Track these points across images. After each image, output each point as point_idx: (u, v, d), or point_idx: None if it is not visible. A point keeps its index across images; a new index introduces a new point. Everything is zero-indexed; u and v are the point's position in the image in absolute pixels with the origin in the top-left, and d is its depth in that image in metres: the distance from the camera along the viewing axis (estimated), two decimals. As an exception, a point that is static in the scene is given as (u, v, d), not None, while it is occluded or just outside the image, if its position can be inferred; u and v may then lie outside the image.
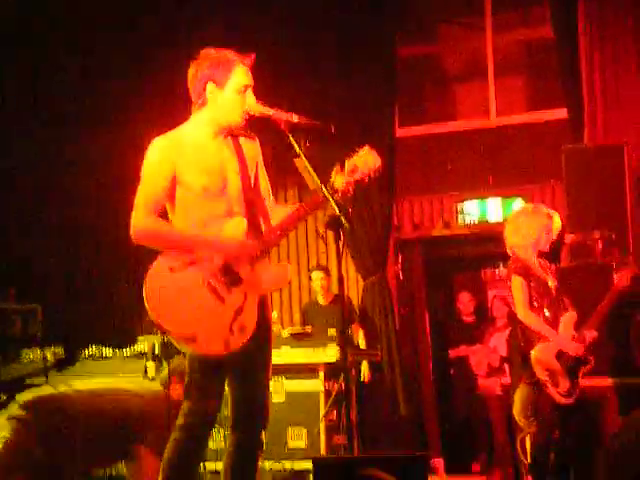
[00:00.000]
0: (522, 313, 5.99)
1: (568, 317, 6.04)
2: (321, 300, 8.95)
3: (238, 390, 4.25)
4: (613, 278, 6.29)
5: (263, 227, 4.31)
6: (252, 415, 4.26)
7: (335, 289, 8.86)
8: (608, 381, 6.80)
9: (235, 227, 4.20)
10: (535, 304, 6.01)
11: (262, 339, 4.24)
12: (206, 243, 4.11)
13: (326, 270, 8.97)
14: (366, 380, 8.68)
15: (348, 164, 4.26)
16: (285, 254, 9.73)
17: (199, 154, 4.20)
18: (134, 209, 4.12)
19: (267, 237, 4.25)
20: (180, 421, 4.13)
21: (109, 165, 9.49)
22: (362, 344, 8.83)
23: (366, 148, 4.32)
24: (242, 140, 4.36)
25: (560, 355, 5.95)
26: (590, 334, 6.01)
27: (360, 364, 8.56)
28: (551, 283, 6.09)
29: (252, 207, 4.30)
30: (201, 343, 4.01)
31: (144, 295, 4.01)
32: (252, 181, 4.33)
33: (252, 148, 4.38)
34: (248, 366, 4.22)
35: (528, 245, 6.09)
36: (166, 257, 4.08)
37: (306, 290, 9.85)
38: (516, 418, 7.96)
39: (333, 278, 8.91)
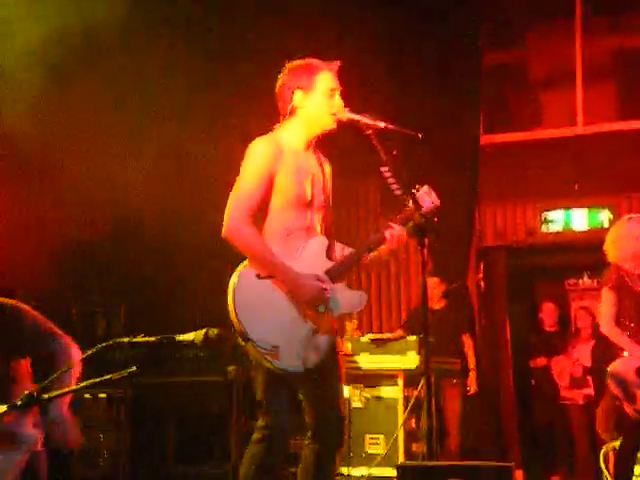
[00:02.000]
0: (605, 327, 5.92)
1: None
2: (434, 306, 8.84)
3: (314, 405, 4.24)
4: None
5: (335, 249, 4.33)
6: (329, 430, 4.25)
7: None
8: None
9: (318, 246, 4.24)
10: (625, 319, 5.90)
11: (333, 357, 4.24)
12: (288, 279, 4.06)
13: (440, 278, 8.87)
14: (472, 391, 8.60)
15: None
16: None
17: (295, 162, 4.21)
18: (233, 207, 4.10)
19: (340, 266, 4.24)
20: (257, 436, 4.13)
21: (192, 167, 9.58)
22: (470, 354, 8.74)
23: (426, 187, 4.28)
24: (323, 159, 4.39)
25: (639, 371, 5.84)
26: None
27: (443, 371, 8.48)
28: None
29: (328, 226, 4.34)
30: (283, 357, 4.01)
31: (230, 301, 4.00)
32: (329, 201, 4.36)
33: (329, 169, 4.42)
34: (322, 383, 4.21)
35: (627, 257, 5.99)
36: (253, 264, 4.09)
37: (385, 296, 9.84)
38: (598, 430, 7.87)
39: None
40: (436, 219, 4.25)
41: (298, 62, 4.31)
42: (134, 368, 3.06)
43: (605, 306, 5.93)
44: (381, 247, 4.29)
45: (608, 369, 5.87)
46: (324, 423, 4.24)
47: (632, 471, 6.00)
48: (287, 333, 4.04)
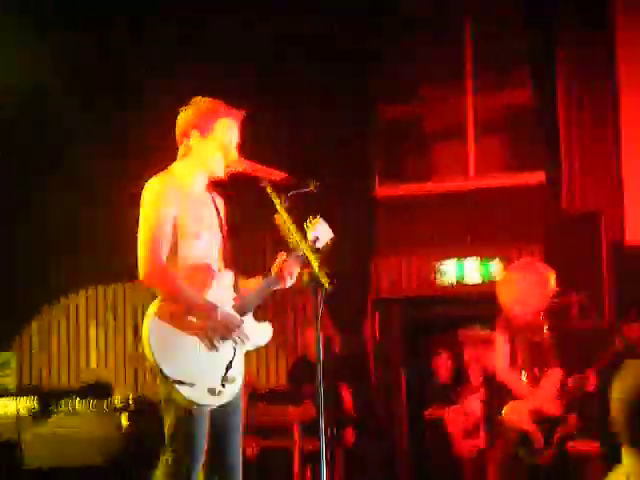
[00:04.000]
0: (500, 372, 5.99)
1: (553, 374, 6.01)
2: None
3: (218, 441, 4.19)
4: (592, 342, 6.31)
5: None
6: (231, 466, 4.22)
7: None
8: (593, 445, 6.76)
9: (227, 280, 4.25)
10: (519, 362, 5.98)
11: (239, 398, 4.25)
12: (209, 314, 4.07)
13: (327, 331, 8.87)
14: (349, 444, 8.59)
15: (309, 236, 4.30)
16: (262, 310, 9.69)
17: (191, 201, 4.19)
18: (146, 251, 4.04)
19: (245, 299, 4.27)
20: (163, 470, 4.06)
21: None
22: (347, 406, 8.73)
23: (321, 220, 4.34)
24: (215, 195, 4.39)
25: (534, 414, 5.91)
26: (593, 377, 5.97)
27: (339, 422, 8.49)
28: (541, 340, 6.06)
29: (229, 259, 4.35)
30: (198, 392, 3.98)
31: (144, 337, 3.96)
32: (227, 234, 4.37)
33: (222, 204, 4.42)
34: (229, 419, 4.19)
35: (517, 301, 6.08)
36: (166, 302, 4.06)
37: (281, 347, 9.84)
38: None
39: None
40: (327, 271, 4.27)
41: (202, 100, 4.26)
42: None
43: (499, 352, 6.01)
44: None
45: (502, 413, 5.94)
46: (225, 466, 4.20)
47: None
48: (202, 367, 4.02)
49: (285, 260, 4.30)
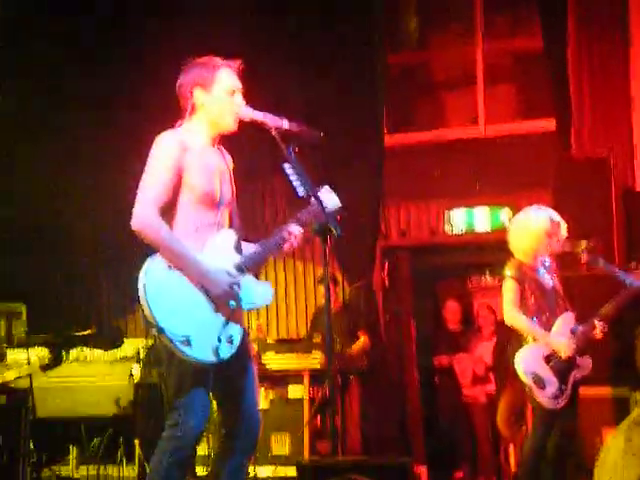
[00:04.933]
0: (508, 314, 5.98)
1: (564, 318, 6.02)
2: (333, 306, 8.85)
3: (229, 402, 4.23)
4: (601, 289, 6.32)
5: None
6: (244, 430, 4.23)
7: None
8: (607, 390, 6.79)
9: (226, 239, 4.23)
10: (530, 312, 5.98)
11: (247, 353, 4.26)
12: (198, 274, 4.05)
13: (334, 279, 8.91)
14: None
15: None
16: (270, 263, 9.75)
17: (202, 159, 4.19)
18: (142, 199, 4.05)
19: (249, 258, 4.25)
20: (168, 433, 4.08)
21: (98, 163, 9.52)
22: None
23: (326, 188, 4.32)
24: (226, 154, 4.39)
25: (549, 358, 5.93)
26: (600, 324, 5.97)
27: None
28: (552, 286, 6.07)
29: (236, 220, 4.34)
30: (195, 347, 3.97)
31: (141, 290, 3.95)
32: (235, 195, 4.37)
33: (231, 162, 4.42)
34: (237, 379, 4.21)
35: (528, 248, 6.09)
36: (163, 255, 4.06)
37: (292, 298, 9.89)
38: (499, 426, 8.00)
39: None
40: (339, 217, 4.27)
41: (198, 59, 4.29)
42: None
43: (506, 293, 6.01)
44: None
45: (515, 359, 5.94)
46: (239, 422, 4.22)
47: (538, 465, 6.06)
48: (199, 323, 4.02)
49: (289, 227, 4.31)
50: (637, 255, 7.39)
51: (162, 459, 4.06)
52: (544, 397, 5.88)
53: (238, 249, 4.26)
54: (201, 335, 4.00)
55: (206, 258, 4.11)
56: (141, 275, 3.98)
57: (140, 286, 3.96)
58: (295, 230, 4.29)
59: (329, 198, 4.36)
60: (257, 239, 4.41)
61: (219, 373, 4.11)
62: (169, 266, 4.02)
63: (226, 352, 4.08)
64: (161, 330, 3.93)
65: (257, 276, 4.34)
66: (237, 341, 4.14)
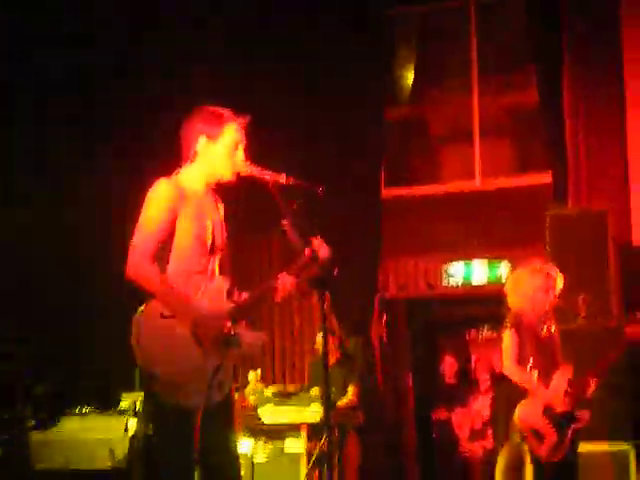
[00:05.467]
0: (507, 367, 5.99)
1: (563, 371, 6.01)
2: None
3: (210, 445, 4.16)
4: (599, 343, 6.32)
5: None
6: (227, 470, 4.22)
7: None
8: (604, 446, 6.76)
9: (219, 286, 4.25)
10: (527, 360, 5.99)
11: (230, 398, 4.26)
12: (192, 316, 4.05)
13: (332, 330, 8.89)
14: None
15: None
16: (268, 314, 9.75)
17: (195, 205, 4.22)
18: (136, 247, 4.07)
19: (240, 306, 4.26)
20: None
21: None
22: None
23: (318, 238, 4.34)
24: (217, 200, 4.43)
25: (546, 410, 5.92)
26: (593, 381, 5.98)
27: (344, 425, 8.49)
28: (550, 339, 6.08)
29: (226, 268, 4.37)
30: (186, 394, 3.98)
31: (134, 337, 3.96)
32: (226, 241, 4.40)
33: (222, 210, 4.45)
34: (218, 422, 4.17)
35: (526, 302, 6.11)
36: (157, 302, 4.06)
37: (289, 350, 9.87)
38: (496, 480, 7.95)
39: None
40: (335, 271, 4.28)
41: (208, 108, 4.32)
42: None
43: (505, 346, 6.02)
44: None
45: (515, 414, 5.94)
46: (220, 468, 4.19)
47: None
48: (191, 370, 4.03)
49: (281, 276, 4.31)
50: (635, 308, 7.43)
51: None
52: (542, 451, 5.87)
53: (230, 296, 4.28)
54: (192, 382, 4.01)
55: (200, 304, 4.13)
56: (134, 324, 4.00)
57: (134, 334, 3.98)
58: (286, 280, 4.30)
59: (321, 248, 4.36)
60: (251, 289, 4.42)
61: (205, 415, 4.08)
62: (162, 314, 4.03)
63: (216, 398, 4.09)
64: (151, 377, 3.95)
65: (251, 324, 4.35)
66: (227, 388, 4.16)
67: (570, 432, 5.94)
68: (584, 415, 6.00)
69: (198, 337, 4.06)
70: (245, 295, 4.34)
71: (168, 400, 3.97)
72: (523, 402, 5.95)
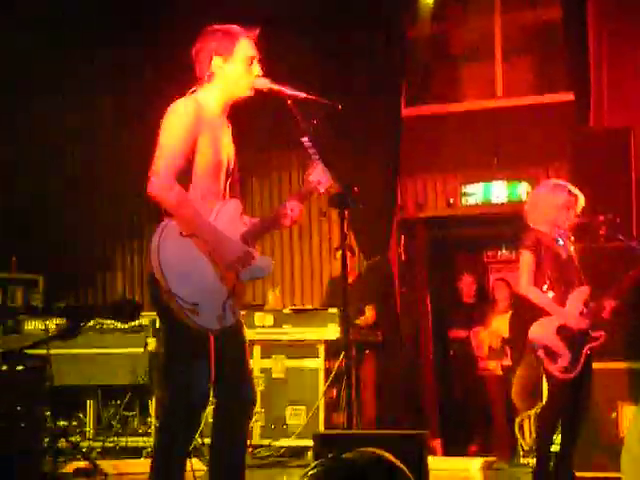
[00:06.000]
0: (523, 286, 5.99)
1: (579, 291, 6.00)
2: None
3: (228, 363, 4.17)
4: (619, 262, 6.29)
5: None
6: (242, 387, 4.22)
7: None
8: (621, 364, 6.77)
9: (234, 208, 4.23)
10: (545, 282, 5.98)
11: (241, 323, 4.26)
12: (214, 240, 4.05)
13: (351, 249, 8.90)
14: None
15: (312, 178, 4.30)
16: (287, 233, 9.77)
17: (212, 127, 4.18)
18: (159, 165, 4.03)
19: (254, 230, 4.26)
20: (171, 398, 4.08)
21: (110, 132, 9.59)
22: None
23: (321, 165, 4.30)
24: (227, 123, 4.38)
25: (561, 330, 5.92)
26: (609, 303, 5.97)
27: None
28: (569, 258, 6.06)
29: (237, 191, 4.36)
30: (202, 315, 3.98)
31: (154, 256, 3.95)
32: (236, 164, 4.38)
33: (230, 132, 4.41)
34: (233, 342, 4.19)
35: (546, 221, 6.07)
36: (175, 222, 4.04)
37: (308, 269, 9.91)
38: (514, 400, 8.01)
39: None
40: (356, 189, 4.25)
41: (217, 27, 4.25)
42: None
43: (523, 267, 6.00)
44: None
45: (528, 333, 5.96)
46: (236, 387, 4.21)
47: (552, 437, 6.09)
48: (207, 292, 4.03)
49: (289, 203, 4.30)
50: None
51: (167, 422, 4.09)
52: (555, 369, 5.89)
53: (242, 220, 4.28)
54: (208, 303, 4.01)
55: (217, 226, 4.12)
56: (153, 241, 3.99)
57: (153, 252, 3.96)
58: (294, 206, 4.28)
59: (322, 174, 4.34)
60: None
61: (219, 337, 4.10)
62: (180, 233, 4.02)
63: (230, 321, 4.09)
64: (172, 295, 3.94)
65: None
66: (239, 311, 4.18)
67: (585, 352, 5.95)
68: (599, 335, 6.00)
69: (214, 259, 4.06)
70: (256, 220, 4.33)
71: (183, 318, 3.97)
72: (538, 321, 5.95)
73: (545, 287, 6.00)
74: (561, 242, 6.07)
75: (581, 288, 6.01)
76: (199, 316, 3.97)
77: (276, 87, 4.23)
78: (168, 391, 4.13)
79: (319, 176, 4.31)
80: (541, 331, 5.93)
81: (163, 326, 4.15)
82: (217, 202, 4.18)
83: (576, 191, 6.14)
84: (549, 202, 6.08)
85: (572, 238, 6.19)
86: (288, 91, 4.22)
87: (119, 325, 7.59)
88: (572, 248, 6.14)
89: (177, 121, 4.10)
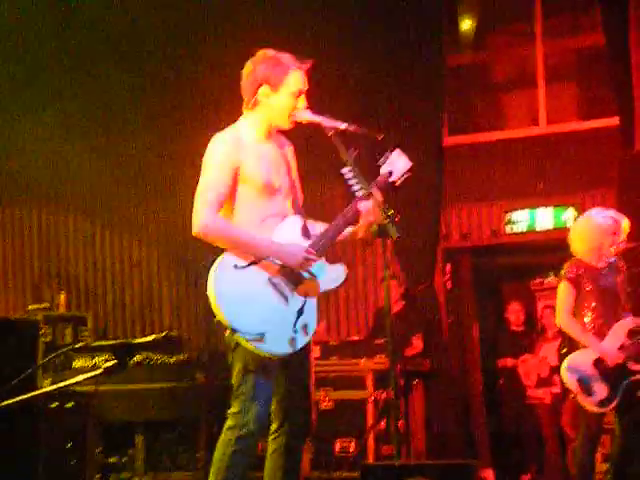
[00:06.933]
0: (560, 319, 5.96)
1: (621, 324, 5.93)
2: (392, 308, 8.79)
3: (288, 391, 4.21)
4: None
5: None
6: (300, 416, 4.25)
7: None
8: None
9: (293, 225, 4.25)
10: (587, 309, 5.91)
11: (309, 346, 4.28)
12: (274, 249, 4.09)
13: (398, 279, 8.90)
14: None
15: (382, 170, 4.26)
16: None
17: (257, 151, 4.21)
18: (201, 204, 4.07)
19: (319, 240, 4.25)
20: (233, 422, 4.08)
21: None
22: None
23: (397, 151, 4.30)
24: (284, 142, 4.40)
25: (598, 363, 5.85)
26: None
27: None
28: (613, 287, 5.98)
29: (298, 208, 4.34)
30: (270, 342, 4.00)
31: (211, 293, 3.97)
32: (296, 184, 4.37)
33: (291, 152, 4.44)
34: (299, 365, 4.22)
35: (591, 249, 6.01)
36: (230, 255, 4.07)
37: (353, 300, 9.88)
38: (565, 428, 7.91)
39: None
40: (397, 218, 4.23)
41: (271, 54, 4.26)
42: (110, 363, 3.05)
43: (560, 297, 5.96)
44: (356, 224, 4.30)
45: (563, 363, 5.90)
46: (296, 409, 4.23)
47: (592, 465, 6.01)
48: (272, 317, 4.04)
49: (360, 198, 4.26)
50: None
51: (225, 450, 4.07)
52: (590, 402, 5.80)
53: (306, 234, 4.27)
54: (276, 329, 4.02)
55: (278, 241, 4.14)
56: (210, 278, 4.00)
57: (210, 290, 3.98)
58: (368, 204, 4.22)
59: (399, 161, 4.31)
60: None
61: (287, 361, 4.12)
62: (235, 265, 4.04)
63: (302, 341, 4.11)
64: (235, 331, 3.96)
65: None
66: (312, 329, 4.17)
67: (624, 385, 5.84)
68: (637, 367, 5.90)
69: (275, 284, 4.06)
70: (319, 231, 4.31)
71: (253, 350, 3.99)
72: (575, 353, 5.88)
73: (587, 319, 5.94)
74: (606, 271, 6.00)
75: (622, 321, 5.93)
76: (267, 344, 3.99)
77: (316, 119, 4.25)
78: (232, 408, 4.11)
79: (394, 164, 4.29)
80: (578, 361, 5.86)
81: (235, 361, 4.14)
82: (277, 222, 4.20)
83: (619, 216, 6.09)
84: (593, 228, 6.03)
85: (623, 266, 6.11)
86: (328, 123, 4.23)
87: (167, 360, 7.62)
88: (619, 279, 6.05)
89: (216, 153, 4.15)
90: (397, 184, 4.32)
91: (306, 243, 4.21)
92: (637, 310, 6.07)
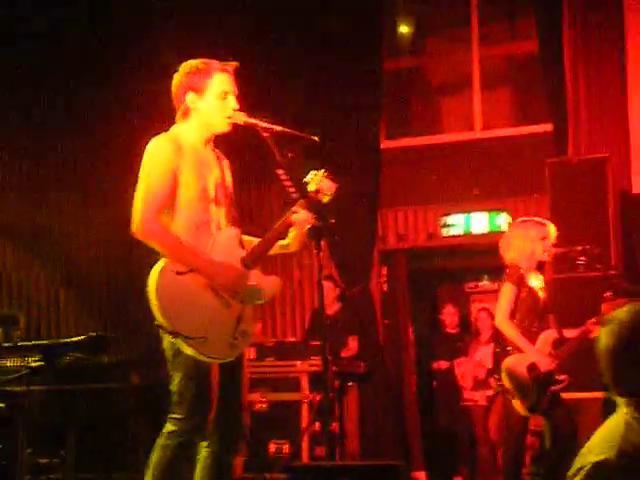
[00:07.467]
0: (499, 320, 6.02)
1: (547, 334, 6.04)
2: (328, 310, 8.82)
3: (224, 396, 4.20)
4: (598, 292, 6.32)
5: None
6: (233, 422, 4.27)
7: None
8: (586, 394, 6.79)
9: (229, 236, 4.25)
10: (521, 317, 6.00)
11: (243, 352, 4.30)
12: (211, 269, 4.09)
13: (335, 281, 8.91)
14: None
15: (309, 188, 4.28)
16: (269, 266, 9.74)
17: (195, 157, 4.22)
18: (142, 206, 4.07)
19: (254, 252, 4.26)
20: (171, 427, 4.08)
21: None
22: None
23: (322, 172, 4.30)
24: (220, 155, 4.41)
25: (532, 369, 5.93)
26: (592, 330, 5.97)
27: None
28: (542, 296, 6.09)
29: (233, 220, 4.35)
30: (211, 346, 4.02)
31: (152, 297, 3.97)
32: (231, 197, 4.39)
33: (228, 164, 4.46)
34: (233, 375, 4.22)
35: (523, 258, 6.09)
36: (169, 260, 4.07)
37: (289, 301, 9.88)
38: (490, 431, 8.01)
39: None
40: (333, 220, 4.26)
41: (192, 62, 4.30)
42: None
43: (502, 298, 6.02)
44: (290, 235, 4.33)
45: (503, 364, 5.97)
46: (230, 422, 4.24)
47: (520, 468, 6.11)
48: (214, 323, 4.06)
49: (294, 209, 4.28)
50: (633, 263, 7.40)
51: (165, 453, 4.07)
52: (521, 406, 5.90)
53: (241, 245, 4.28)
54: (216, 333, 4.05)
55: (212, 256, 4.15)
56: (151, 284, 4.01)
57: (151, 295, 3.99)
58: (302, 215, 4.24)
59: (325, 182, 4.32)
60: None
61: (227, 367, 4.14)
62: (177, 272, 4.04)
63: (243, 346, 4.15)
64: (176, 334, 3.96)
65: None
66: (250, 337, 4.21)
67: (549, 393, 5.95)
68: (564, 378, 6.01)
69: (216, 289, 4.09)
70: (255, 243, 4.33)
71: (195, 355, 4.00)
72: (512, 356, 5.97)
73: (520, 323, 6.02)
74: (535, 282, 6.10)
75: (547, 331, 6.04)
76: (208, 348, 4.00)
77: (252, 121, 4.26)
78: (173, 414, 4.11)
79: (322, 185, 4.30)
80: (514, 365, 5.95)
81: (172, 366, 4.13)
82: (211, 230, 4.20)
83: (545, 221, 6.20)
84: (522, 236, 6.12)
85: (545, 277, 6.23)
86: (264, 124, 4.25)
87: (100, 360, 7.55)
88: (546, 287, 6.17)
89: (154, 158, 4.16)
90: (324, 202, 4.32)
91: (241, 255, 4.23)
92: (567, 316, 6.18)
